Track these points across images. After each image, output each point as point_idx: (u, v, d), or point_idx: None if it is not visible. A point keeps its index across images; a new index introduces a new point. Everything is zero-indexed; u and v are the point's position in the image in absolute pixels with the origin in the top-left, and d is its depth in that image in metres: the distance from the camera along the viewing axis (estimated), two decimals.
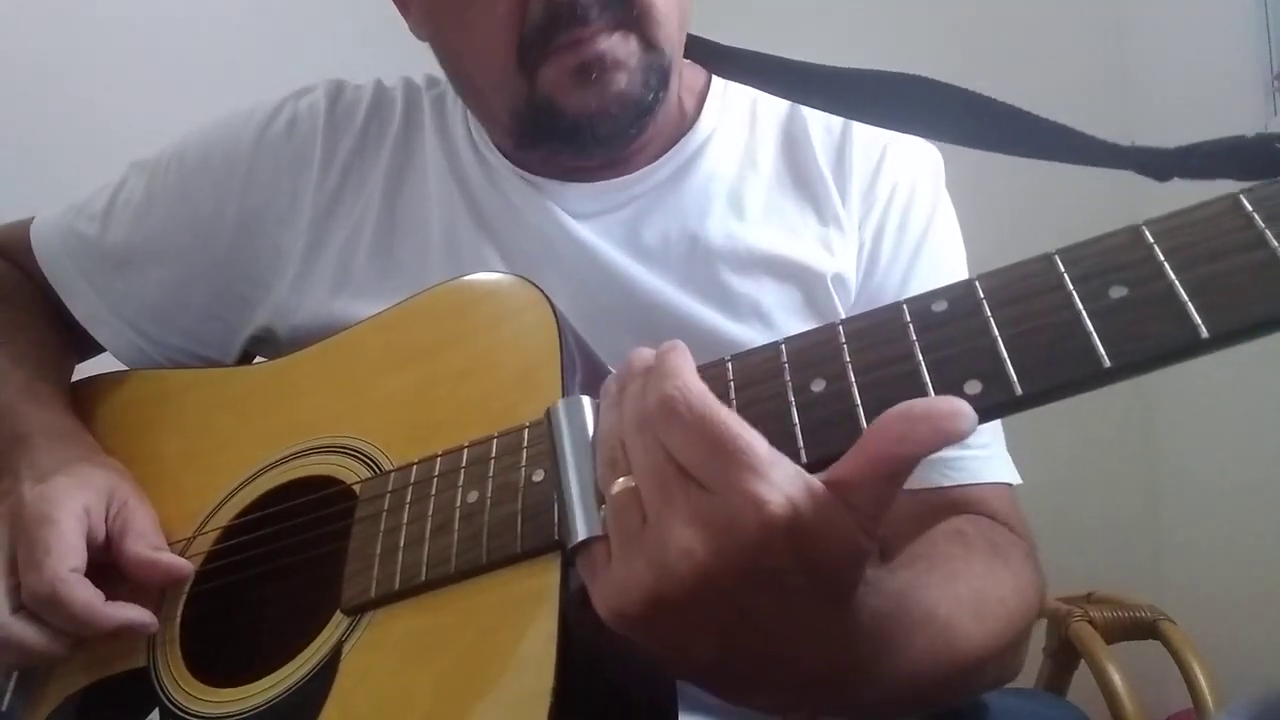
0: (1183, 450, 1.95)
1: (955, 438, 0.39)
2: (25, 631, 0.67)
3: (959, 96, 0.70)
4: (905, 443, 0.40)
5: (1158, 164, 0.61)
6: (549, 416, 0.51)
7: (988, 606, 0.60)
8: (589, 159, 0.83)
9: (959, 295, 0.46)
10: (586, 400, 0.51)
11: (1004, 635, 0.61)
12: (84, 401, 0.88)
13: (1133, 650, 1.55)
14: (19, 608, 0.68)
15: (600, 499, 0.47)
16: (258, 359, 0.94)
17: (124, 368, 0.93)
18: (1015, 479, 0.80)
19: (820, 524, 0.41)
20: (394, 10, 0.87)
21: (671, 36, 0.79)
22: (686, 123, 0.88)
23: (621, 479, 0.45)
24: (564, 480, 0.49)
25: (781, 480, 0.41)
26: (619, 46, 0.75)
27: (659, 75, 0.78)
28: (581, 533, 0.47)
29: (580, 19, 0.73)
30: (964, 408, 0.39)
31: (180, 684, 0.67)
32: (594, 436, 0.49)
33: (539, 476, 0.56)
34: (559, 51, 0.75)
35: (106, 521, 0.72)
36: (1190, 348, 0.40)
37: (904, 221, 0.85)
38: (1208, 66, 1.81)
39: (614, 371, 0.68)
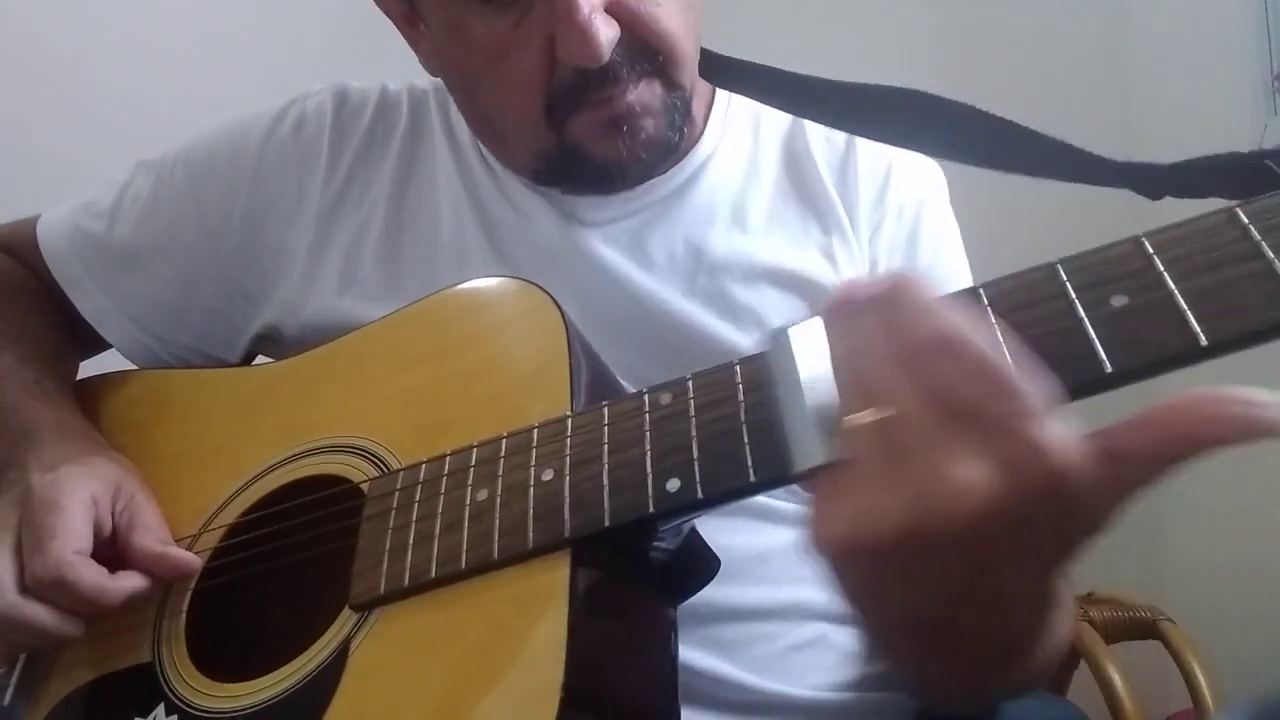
0: None
1: (1268, 430, 0.37)
2: (36, 611, 0.68)
3: (959, 111, 0.70)
4: (1216, 424, 0.38)
5: (1151, 181, 0.61)
6: (774, 338, 0.49)
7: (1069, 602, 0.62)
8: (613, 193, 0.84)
9: (963, 302, 0.47)
10: (817, 321, 0.49)
11: (1071, 631, 0.62)
12: (89, 400, 0.88)
13: (1133, 650, 1.55)
14: (25, 589, 0.68)
15: (832, 426, 0.45)
16: (260, 359, 0.95)
17: (129, 365, 0.94)
18: None
19: (1093, 487, 0.40)
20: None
21: (692, 69, 0.80)
22: (695, 133, 0.88)
23: (874, 408, 0.43)
24: (790, 405, 0.47)
25: (1064, 431, 0.40)
26: (646, 95, 0.76)
27: (682, 110, 0.79)
28: (819, 457, 0.45)
29: (611, 79, 0.74)
30: (1276, 400, 0.37)
31: (186, 679, 0.67)
32: (829, 361, 0.46)
33: (549, 475, 0.56)
34: (589, 108, 0.75)
35: (113, 514, 0.73)
36: (1189, 355, 0.41)
37: (913, 238, 0.86)
38: (1208, 66, 1.81)
39: (620, 379, 0.69)
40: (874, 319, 0.45)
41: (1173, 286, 0.42)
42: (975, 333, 0.42)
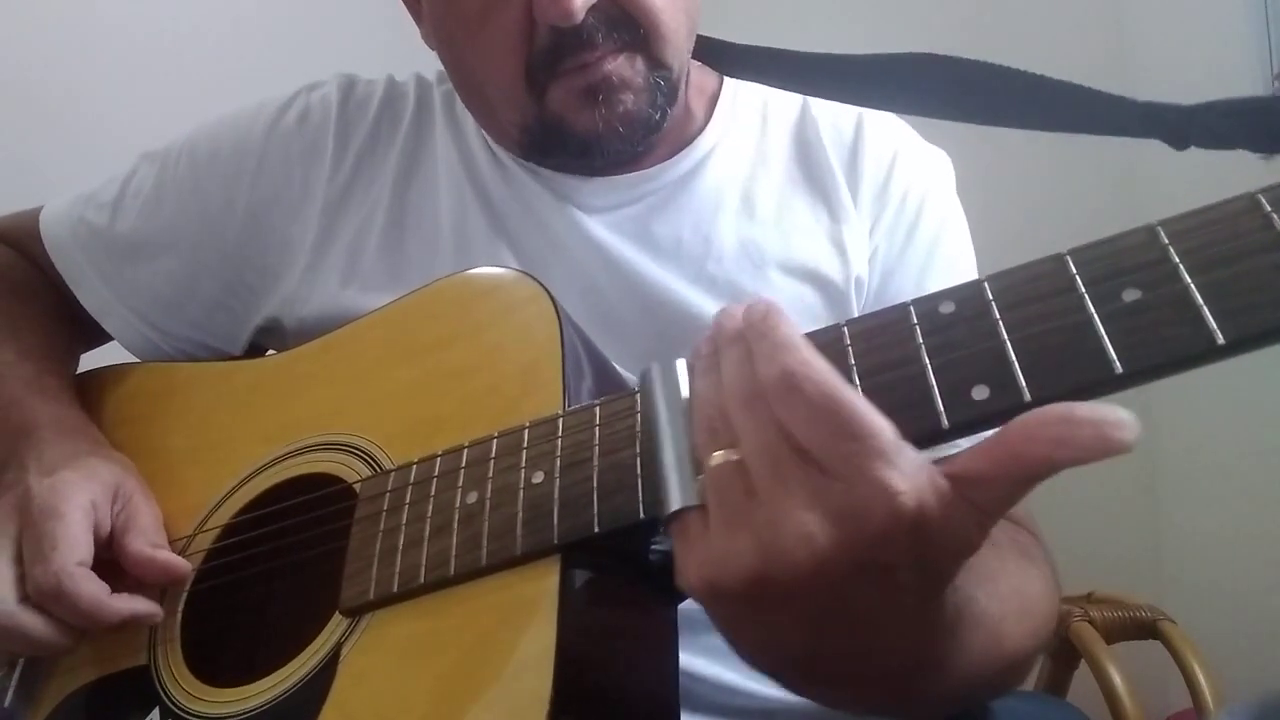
0: (1183, 450, 1.94)
1: (1119, 450, 0.36)
2: (31, 621, 0.67)
3: (973, 69, 0.69)
4: (1063, 447, 0.36)
5: (1175, 126, 0.60)
6: (643, 377, 0.49)
7: (1026, 605, 0.60)
8: (597, 170, 0.83)
9: (967, 297, 0.45)
10: (681, 362, 0.49)
11: (1039, 635, 0.61)
12: (90, 395, 0.88)
13: (1133, 650, 1.54)
14: (24, 598, 0.67)
15: (697, 467, 0.45)
16: (270, 352, 0.94)
17: (131, 358, 0.93)
18: None
19: (942, 519, 0.39)
20: (404, 10, 0.87)
21: (680, 49, 0.79)
22: (698, 125, 0.87)
23: (722, 451, 0.43)
24: (658, 446, 0.47)
25: (911, 470, 0.39)
26: (625, 68, 0.76)
27: (667, 92, 0.78)
28: (676, 501, 0.45)
29: (587, 43, 0.73)
30: (1130, 419, 0.36)
31: (180, 683, 0.67)
32: (689, 401, 0.47)
33: (539, 478, 0.55)
34: (566, 74, 0.75)
35: (111, 517, 0.72)
36: (1206, 354, 0.39)
37: (914, 228, 0.85)
38: (1208, 66, 1.80)
39: (622, 370, 0.68)
40: (732, 354, 0.44)
41: (1188, 280, 0.40)
42: (824, 371, 0.41)
